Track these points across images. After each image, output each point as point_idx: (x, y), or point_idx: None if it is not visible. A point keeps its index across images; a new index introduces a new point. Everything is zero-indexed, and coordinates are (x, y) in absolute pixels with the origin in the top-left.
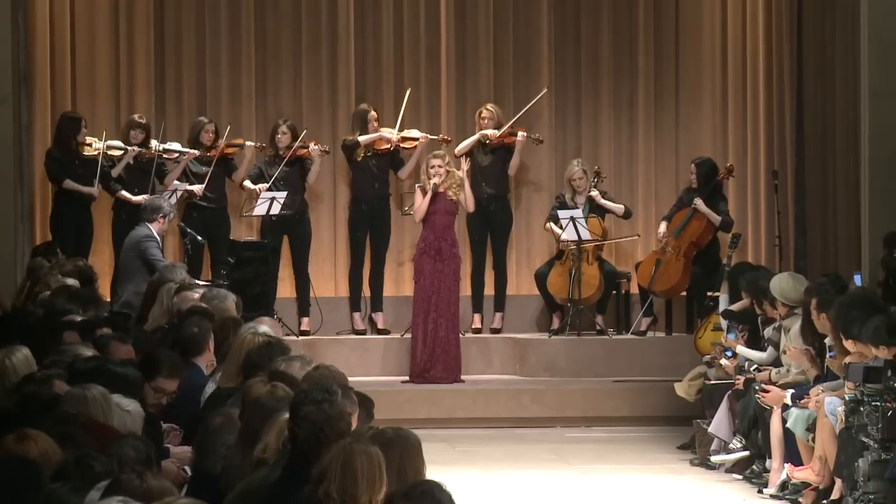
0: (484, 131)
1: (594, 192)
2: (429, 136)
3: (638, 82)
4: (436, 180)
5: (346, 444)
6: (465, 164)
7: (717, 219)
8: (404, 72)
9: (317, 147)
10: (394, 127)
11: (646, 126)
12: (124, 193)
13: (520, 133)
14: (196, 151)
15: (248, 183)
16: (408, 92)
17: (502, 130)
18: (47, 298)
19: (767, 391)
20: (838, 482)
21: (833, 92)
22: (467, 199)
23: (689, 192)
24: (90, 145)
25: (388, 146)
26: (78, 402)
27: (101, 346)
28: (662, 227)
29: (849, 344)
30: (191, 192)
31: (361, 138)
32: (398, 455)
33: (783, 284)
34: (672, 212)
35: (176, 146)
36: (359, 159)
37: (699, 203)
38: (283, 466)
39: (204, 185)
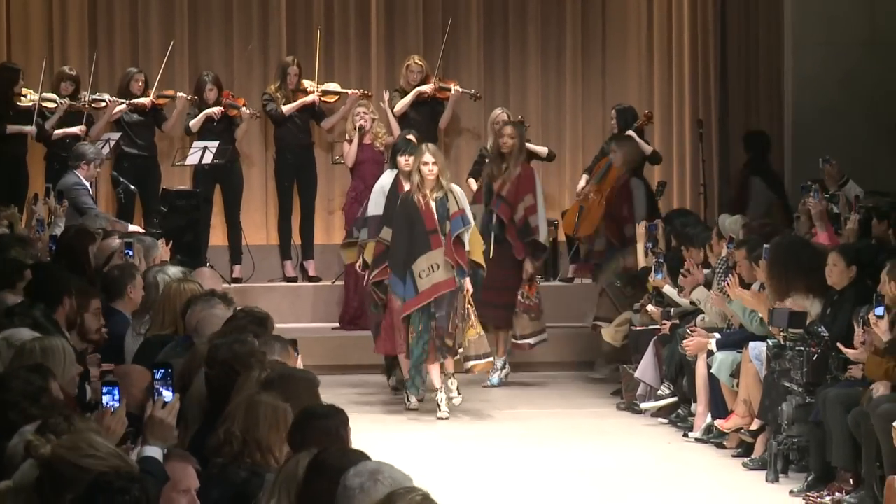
0: (420, 88)
1: None
2: (349, 91)
3: (565, 32)
4: (361, 123)
5: (253, 393)
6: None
7: (647, 148)
8: (335, 25)
9: (247, 110)
10: (314, 78)
11: (573, 76)
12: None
13: (454, 87)
14: (123, 101)
15: (192, 122)
16: (318, 33)
17: (434, 85)
18: None
19: (690, 342)
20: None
21: (756, 41)
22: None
23: (610, 141)
24: (25, 96)
25: (310, 101)
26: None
27: None
28: (582, 181)
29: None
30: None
31: (285, 107)
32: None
33: (730, 223)
34: (593, 163)
35: (105, 97)
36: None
37: None
38: (205, 412)
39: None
